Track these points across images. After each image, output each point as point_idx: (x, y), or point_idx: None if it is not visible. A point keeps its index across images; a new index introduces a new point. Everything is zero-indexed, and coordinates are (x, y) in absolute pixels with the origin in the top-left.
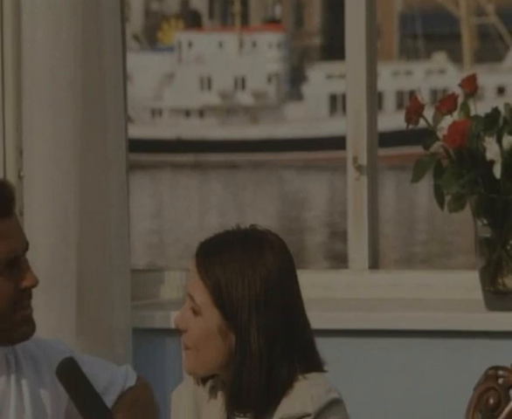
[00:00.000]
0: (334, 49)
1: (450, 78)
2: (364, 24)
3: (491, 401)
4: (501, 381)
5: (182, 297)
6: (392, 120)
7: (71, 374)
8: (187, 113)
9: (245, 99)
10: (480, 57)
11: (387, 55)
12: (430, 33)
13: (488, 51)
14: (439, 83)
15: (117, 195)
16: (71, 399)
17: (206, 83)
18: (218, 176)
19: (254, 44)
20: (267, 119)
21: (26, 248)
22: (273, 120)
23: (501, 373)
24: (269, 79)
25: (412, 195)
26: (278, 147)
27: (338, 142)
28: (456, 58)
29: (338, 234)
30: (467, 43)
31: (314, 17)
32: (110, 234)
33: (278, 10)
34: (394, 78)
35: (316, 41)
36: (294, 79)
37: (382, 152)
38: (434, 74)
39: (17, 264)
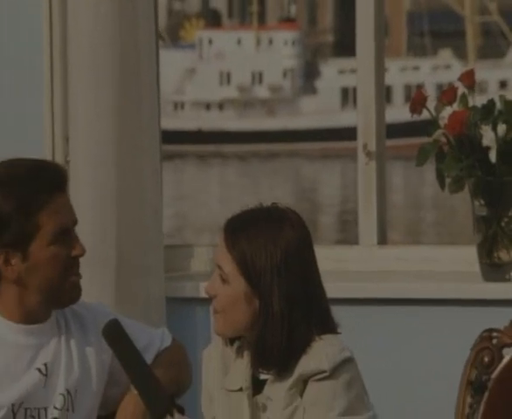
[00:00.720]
0: (345, 46)
1: (455, 73)
2: (373, 23)
3: (486, 359)
4: (494, 341)
5: (209, 269)
6: (401, 112)
7: (116, 334)
8: (207, 106)
9: (262, 92)
10: (483, 53)
11: (396, 51)
12: (436, 31)
13: (491, 47)
14: (444, 78)
15: (152, 180)
16: (115, 356)
17: (225, 78)
18: (237, 165)
19: (271, 42)
20: (283, 111)
21: (76, 222)
22: (289, 112)
23: (494, 334)
24: (285, 74)
25: (419, 182)
26: (293, 138)
27: (350, 133)
28: (461, 54)
29: (349, 214)
30: (471, 40)
31: (327, 15)
32: (145, 214)
33: (293, 10)
34: (402, 73)
35: (329, 38)
36: (308, 74)
37: (391, 142)
38: (440, 69)
39: (68, 235)
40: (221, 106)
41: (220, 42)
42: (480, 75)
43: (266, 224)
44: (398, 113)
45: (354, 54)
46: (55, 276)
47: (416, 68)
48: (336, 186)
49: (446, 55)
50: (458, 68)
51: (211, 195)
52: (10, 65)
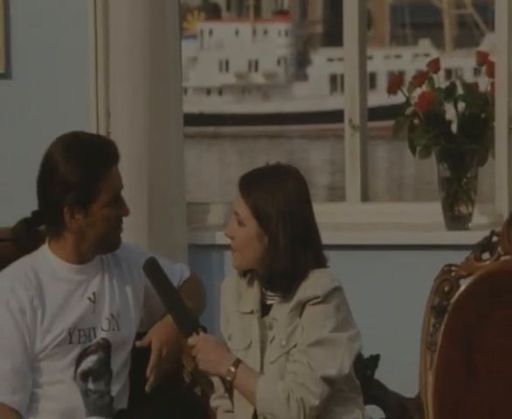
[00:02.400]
0: (333, 36)
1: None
2: (357, 16)
3: (446, 288)
4: (453, 274)
5: (223, 222)
6: (384, 97)
7: (153, 269)
8: (208, 92)
9: (257, 79)
10: (459, 43)
11: (380, 41)
12: (416, 22)
13: (466, 37)
14: (424, 65)
15: (176, 151)
16: (153, 286)
17: (224, 65)
18: (235, 145)
19: (266, 33)
20: (277, 96)
21: (123, 188)
22: (282, 97)
23: (453, 268)
24: (278, 62)
25: (400, 158)
26: (286, 121)
27: (338, 115)
28: (439, 43)
29: (337, 180)
30: (448, 31)
31: (317, 9)
32: (171, 177)
33: (286, 3)
34: (386, 61)
35: (319, 29)
36: (300, 62)
37: (375, 124)
38: (420, 58)
39: (118, 199)
40: (220, 91)
41: (220, 33)
42: (456, 62)
43: (273, 178)
44: (382, 97)
45: (341, 44)
46: (106, 231)
47: (398, 56)
48: (325, 161)
49: (425, 44)
50: (436, 56)
51: (210, 173)
52: (65, 60)
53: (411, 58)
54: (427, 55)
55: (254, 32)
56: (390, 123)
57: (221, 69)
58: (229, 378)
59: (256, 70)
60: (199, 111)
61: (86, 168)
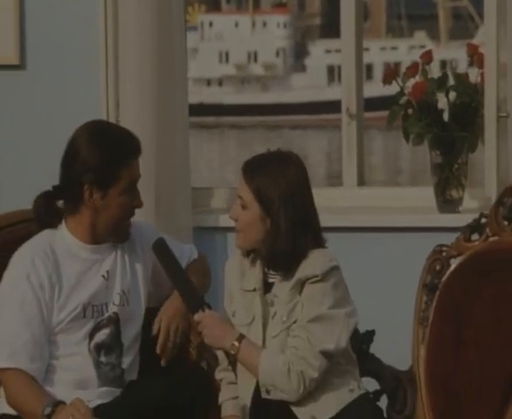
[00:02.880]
0: (331, 28)
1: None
2: (354, 9)
3: (437, 267)
4: (444, 254)
5: (226, 206)
6: (380, 87)
7: (162, 249)
8: (208, 83)
9: (257, 70)
10: (453, 34)
11: (376, 33)
12: (412, 14)
13: (461, 29)
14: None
15: (182, 139)
16: (161, 265)
17: (224, 57)
18: (234, 135)
19: (265, 24)
20: (276, 87)
21: (139, 178)
22: (281, 88)
23: (444, 248)
24: (277, 54)
25: (396, 147)
26: (285, 111)
27: (335, 106)
28: (434, 35)
29: (334, 169)
30: (443, 23)
31: (315, 1)
32: (177, 164)
33: None
34: (382, 52)
35: (316, 21)
36: (298, 54)
37: (371, 114)
38: (416, 49)
39: (134, 189)
40: (220, 82)
41: (219, 25)
42: (451, 54)
43: (275, 164)
44: (378, 88)
45: (338, 36)
46: (119, 217)
47: (394, 48)
48: (323, 150)
49: (420, 36)
50: (431, 48)
51: (210, 162)
52: (76, 51)
53: (406, 50)
54: (423, 47)
55: (253, 24)
56: (386, 113)
57: (221, 60)
58: (233, 352)
59: (255, 61)
60: (199, 101)
61: (108, 154)
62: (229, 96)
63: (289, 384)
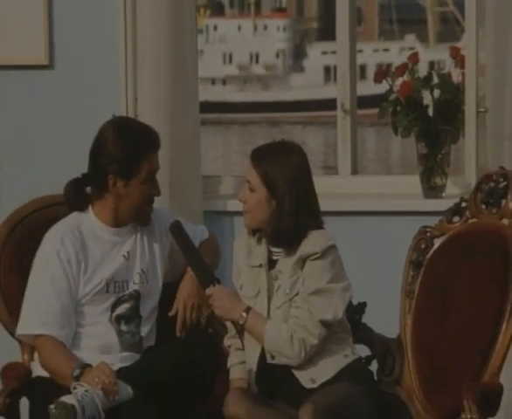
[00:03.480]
0: (327, 31)
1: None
2: (348, 14)
3: (422, 246)
4: (428, 234)
5: (233, 192)
6: (373, 86)
7: (178, 230)
8: (213, 82)
9: (258, 70)
10: (441, 37)
11: (369, 36)
12: (403, 19)
13: (448, 32)
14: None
15: (193, 131)
16: (177, 245)
17: (228, 58)
18: (237, 131)
19: (265, 28)
20: (276, 86)
21: (158, 169)
22: (281, 87)
23: (428, 229)
24: (277, 55)
25: (387, 141)
26: (284, 108)
27: (331, 103)
28: (423, 38)
29: (330, 160)
30: (432, 26)
31: (313, 6)
32: (189, 154)
33: (284, 1)
34: (375, 54)
35: (314, 25)
36: (297, 55)
37: (364, 111)
38: (406, 51)
39: (153, 179)
40: (224, 81)
41: (223, 28)
42: (438, 55)
43: (280, 152)
44: (371, 87)
45: (334, 38)
46: (140, 203)
47: (386, 50)
48: (320, 144)
49: (410, 39)
50: (421, 50)
51: (215, 156)
52: (99, 52)
53: (397, 52)
54: (412, 49)
55: (255, 28)
56: (377, 111)
57: (225, 61)
58: (241, 322)
59: (257, 62)
60: (204, 99)
61: (130, 148)
62: (232, 94)
63: (292, 350)
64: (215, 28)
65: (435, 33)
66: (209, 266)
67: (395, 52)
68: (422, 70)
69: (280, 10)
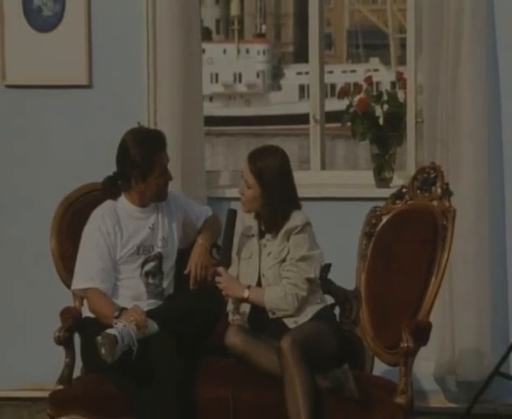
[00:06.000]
0: (302, 55)
1: (381, 75)
2: (318, 40)
3: (373, 221)
4: (378, 212)
5: (230, 183)
6: (341, 103)
7: (232, 216)
8: None
9: (241, 88)
10: (402, 61)
11: (339, 59)
12: (368, 44)
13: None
14: (374, 79)
15: (198, 137)
16: (225, 225)
17: (214, 77)
18: (223, 142)
19: (248, 51)
20: (257, 102)
21: (168, 162)
22: (261, 103)
23: (377, 208)
24: (258, 75)
25: (354, 151)
26: (264, 122)
27: (305, 118)
28: (386, 61)
29: (304, 158)
30: (394, 51)
31: (289, 32)
32: (196, 154)
33: (264, 28)
34: (343, 74)
35: (290, 49)
36: (275, 75)
37: (333, 125)
38: (371, 72)
39: (166, 171)
40: (211, 98)
41: (210, 51)
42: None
43: (270, 154)
44: (340, 103)
45: (307, 61)
46: (157, 191)
47: (353, 71)
48: (295, 152)
49: (375, 62)
50: (384, 72)
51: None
52: (129, 75)
53: (363, 73)
54: (376, 70)
55: (238, 51)
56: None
57: (212, 80)
58: (245, 296)
59: (240, 81)
60: None
61: (147, 151)
62: (218, 110)
63: (287, 304)
64: (203, 51)
65: (396, 56)
66: (231, 253)
67: (361, 73)
68: (386, 87)
69: (260, 36)
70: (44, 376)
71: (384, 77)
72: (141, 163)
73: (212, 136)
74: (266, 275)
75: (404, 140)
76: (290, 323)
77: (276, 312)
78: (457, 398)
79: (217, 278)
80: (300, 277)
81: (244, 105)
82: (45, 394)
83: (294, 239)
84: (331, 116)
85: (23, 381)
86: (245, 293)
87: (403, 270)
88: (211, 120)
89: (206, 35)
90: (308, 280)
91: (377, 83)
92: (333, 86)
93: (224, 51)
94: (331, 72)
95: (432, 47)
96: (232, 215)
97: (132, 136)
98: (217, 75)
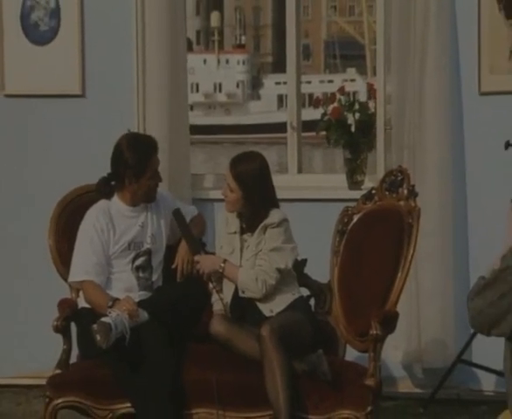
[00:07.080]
0: (280, 65)
1: (358, 85)
2: (295, 52)
3: (345, 220)
4: (349, 212)
5: (212, 185)
6: (318, 112)
7: (178, 213)
8: None
9: (221, 98)
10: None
11: (316, 69)
12: (345, 54)
13: None
14: (350, 88)
15: (184, 143)
16: (176, 223)
17: (195, 87)
18: (204, 150)
19: (227, 62)
20: (237, 111)
21: (159, 164)
22: (241, 112)
23: (349, 208)
24: (237, 85)
25: (332, 159)
26: (244, 131)
27: (283, 126)
28: (362, 71)
29: (283, 165)
30: (369, 61)
31: (267, 43)
32: (182, 159)
33: (243, 39)
34: (321, 84)
35: (269, 59)
36: (254, 85)
37: (310, 134)
38: (347, 82)
39: (156, 173)
40: (192, 107)
41: (191, 62)
42: (374, 85)
43: (250, 160)
44: (317, 112)
45: (285, 71)
46: (147, 191)
47: (330, 81)
48: (274, 158)
49: (351, 72)
50: (360, 81)
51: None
52: (119, 85)
53: (340, 83)
54: (353, 80)
55: (218, 61)
56: (320, 133)
57: (192, 90)
58: (220, 270)
59: (220, 91)
60: None
61: (140, 155)
62: (199, 118)
63: (257, 288)
64: None
65: (372, 67)
66: (197, 240)
67: (338, 83)
68: (362, 96)
69: (240, 47)
70: (43, 366)
71: (361, 87)
72: (134, 165)
73: (194, 145)
74: (244, 266)
75: (375, 146)
76: (266, 311)
77: (246, 291)
78: (423, 384)
79: (197, 266)
80: (271, 266)
81: (224, 114)
82: (43, 381)
83: (270, 232)
84: (309, 125)
85: (22, 369)
86: (221, 268)
87: (372, 264)
88: (191, 129)
89: (187, 46)
90: (279, 270)
91: (354, 93)
92: (311, 96)
93: (205, 62)
94: (309, 82)
95: (400, 61)
96: (178, 212)
97: (126, 140)
98: (197, 85)
